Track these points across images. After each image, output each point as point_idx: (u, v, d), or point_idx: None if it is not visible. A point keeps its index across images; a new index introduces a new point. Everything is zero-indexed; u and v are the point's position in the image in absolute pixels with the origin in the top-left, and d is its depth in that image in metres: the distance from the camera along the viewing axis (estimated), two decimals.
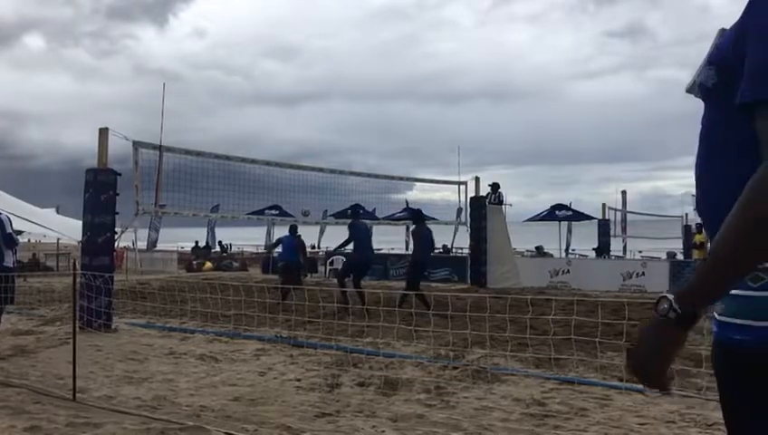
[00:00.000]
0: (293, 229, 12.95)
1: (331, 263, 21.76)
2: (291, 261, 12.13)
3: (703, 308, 1.17)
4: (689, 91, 1.32)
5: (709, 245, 1.29)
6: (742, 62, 1.12)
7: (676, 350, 1.18)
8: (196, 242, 29.03)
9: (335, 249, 11.44)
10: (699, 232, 16.94)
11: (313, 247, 28.66)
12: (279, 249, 13.12)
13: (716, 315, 1.27)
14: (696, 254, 16.57)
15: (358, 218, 11.51)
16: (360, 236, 10.86)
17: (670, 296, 1.16)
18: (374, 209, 20.86)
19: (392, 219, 19.57)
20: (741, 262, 1.10)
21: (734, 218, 1.07)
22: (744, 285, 1.20)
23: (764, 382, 1.16)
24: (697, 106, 1.37)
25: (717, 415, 4.50)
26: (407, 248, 21.74)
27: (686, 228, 25.35)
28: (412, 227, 11.66)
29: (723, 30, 1.29)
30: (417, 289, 10.35)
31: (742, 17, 1.17)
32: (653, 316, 1.17)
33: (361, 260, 10.85)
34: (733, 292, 1.20)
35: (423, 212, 12.13)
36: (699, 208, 1.36)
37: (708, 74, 1.26)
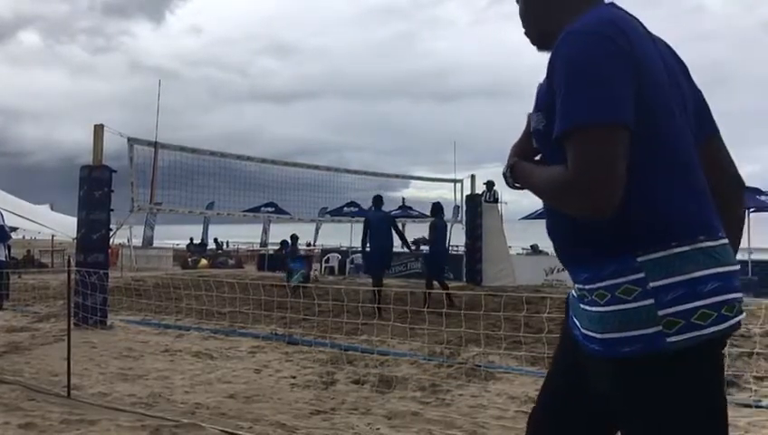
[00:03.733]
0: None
1: (327, 260, 21.79)
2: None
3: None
4: (532, 141, 1.62)
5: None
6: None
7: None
8: (191, 239, 29.00)
9: (362, 248, 11.04)
10: None
11: (309, 245, 28.67)
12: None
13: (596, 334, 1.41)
14: None
15: (377, 208, 10.88)
16: (371, 228, 10.38)
17: (507, 168, 1.59)
18: (371, 207, 20.85)
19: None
20: (537, 192, 1.49)
21: (542, 181, 1.44)
22: (595, 303, 1.40)
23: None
24: None
25: None
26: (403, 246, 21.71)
27: None
28: (431, 221, 11.51)
29: (540, 84, 1.52)
30: (432, 285, 10.33)
31: (547, 69, 1.43)
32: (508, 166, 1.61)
33: (371, 255, 10.48)
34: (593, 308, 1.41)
35: (442, 205, 11.61)
36: (551, 236, 1.57)
37: (538, 119, 1.49)
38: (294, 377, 5.39)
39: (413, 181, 18.72)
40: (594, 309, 1.40)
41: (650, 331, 1.30)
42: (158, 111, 10.33)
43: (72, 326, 5.23)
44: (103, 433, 3.76)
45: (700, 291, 1.30)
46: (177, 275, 14.11)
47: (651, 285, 1.31)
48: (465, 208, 15.54)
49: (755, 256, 16.27)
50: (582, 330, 1.45)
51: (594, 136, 1.27)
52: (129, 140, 9.57)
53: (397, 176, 17.10)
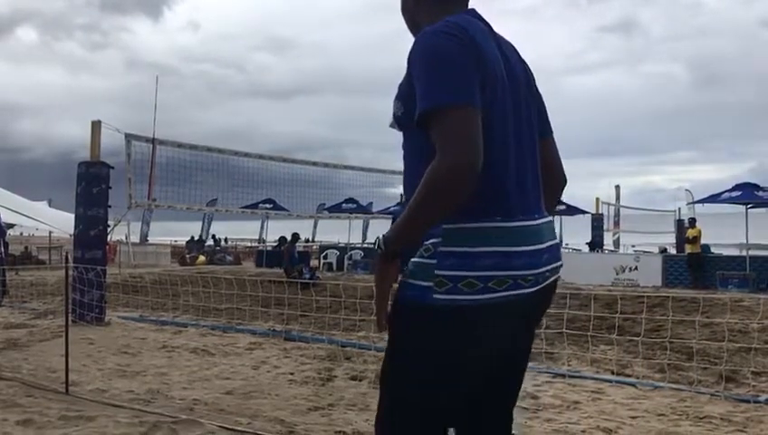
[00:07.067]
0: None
1: (325, 257, 21.79)
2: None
3: (400, 247, 1.56)
4: (391, 126, 1.70)
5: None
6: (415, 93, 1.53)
7: (390, 275, 1.58)
8: (192, 236, 28.98)
9: None
10: (692, 227, 17.01)
11: (308, 241, 28.66)
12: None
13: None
14: (688, 248, 16.61)
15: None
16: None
17: (380, 238, 1.56)
18: (369, 203, 20.84)
19: (387, 213, 19.57)
20: (423, 220, 1.50)
21: (419, 195, 1.46)
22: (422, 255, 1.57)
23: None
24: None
25: (710, 408, 4.53)
26: None
27: (679, 223, 25.45)
28: None
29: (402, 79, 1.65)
30: None
31: (407, 63, 1.58)
32: (376, 250, 1.58)
33: None
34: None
35: None
36: None
37: (397, 106, 1.66)
38: (292, 373, 5.40)
39: None
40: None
41: (425, 284, 1.52)
42: (156, 108, 10.31)
43: (69, 323, 5.23)
44: (101, 429, 3.76)
45: (473, 263, 1.51)
46: (174, 272, 14.12)
47: (440, 249, 1.53)
48: None
49: (753, 252, 16.26)
50: None
51: (453, 115, 1.46)
52: (127, 136, 9.54)
53: (395, 172, 17.09)
